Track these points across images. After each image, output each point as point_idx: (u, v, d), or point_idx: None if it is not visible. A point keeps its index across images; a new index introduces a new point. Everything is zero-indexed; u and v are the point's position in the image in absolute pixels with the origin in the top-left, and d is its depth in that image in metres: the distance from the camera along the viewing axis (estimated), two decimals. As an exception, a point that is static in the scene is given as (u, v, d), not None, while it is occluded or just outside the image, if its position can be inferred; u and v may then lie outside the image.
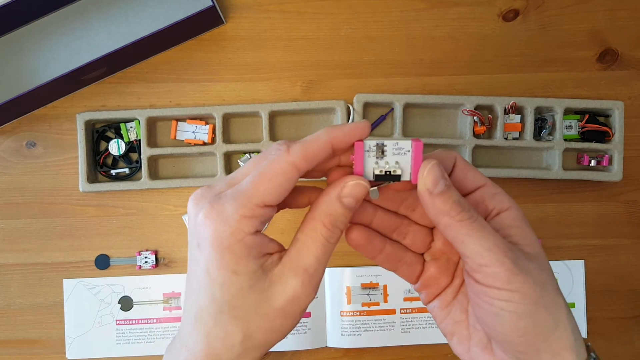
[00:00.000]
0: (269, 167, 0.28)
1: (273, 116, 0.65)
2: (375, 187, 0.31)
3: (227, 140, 0.65)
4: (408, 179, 0.30)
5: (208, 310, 0.29)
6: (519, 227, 0.31)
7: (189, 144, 0.65)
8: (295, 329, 0.60)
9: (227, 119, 0.65)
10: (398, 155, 0.30)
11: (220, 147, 0.64)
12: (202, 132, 0.65)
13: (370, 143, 0.30)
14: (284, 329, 0.30)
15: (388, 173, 0.30)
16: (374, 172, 0.30)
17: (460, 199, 0.29)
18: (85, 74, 0.62)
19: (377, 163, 0.30)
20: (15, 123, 0.66)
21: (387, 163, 0.30)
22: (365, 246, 0.33)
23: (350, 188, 0.29)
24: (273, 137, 0.65)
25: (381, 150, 0.30)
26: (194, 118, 0.65)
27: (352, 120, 0.64)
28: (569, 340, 0.29)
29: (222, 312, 0.29)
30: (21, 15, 0.63)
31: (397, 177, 0.30)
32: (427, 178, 0.28)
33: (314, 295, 0.30)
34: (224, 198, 0.28)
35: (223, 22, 0.66)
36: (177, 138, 0.65)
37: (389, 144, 0.30)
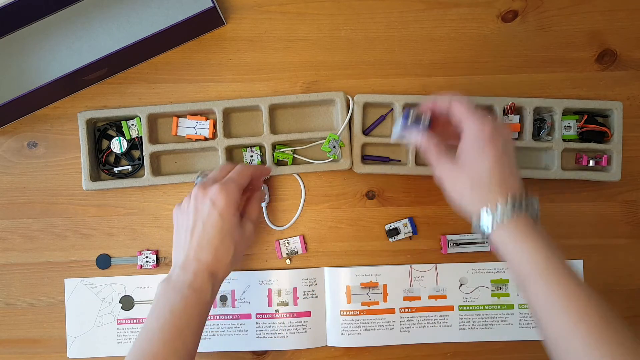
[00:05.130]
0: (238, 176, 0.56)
1: (273, 109, 0.65)
2: None
3: (228, 134, 0.65)
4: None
5: (216, 236, 0.53)
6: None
7: (190, 140, 0.65)
8: (295, 328, 0.66)
9: (227, 113, 0.65)
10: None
11: (222, 142, 0.64)
12: (203, 127, 0.65)
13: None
14: (244, 248, 0.57)
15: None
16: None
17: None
18: (87, 74, 0.62)
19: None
20: (16, 123, 0.66)
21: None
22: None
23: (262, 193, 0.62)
24: (274, 130, 0.65)
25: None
26: (195, 114, 0.65)
27: (352, 112, 0.64)
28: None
29: (226, 237, 0.53)
30: (23, 16, 0.63)
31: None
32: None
33: (256, 232, 0.61)
34: (226, 182, 0.54)
35: (224, 23, 0.66)
36: (178, 134, 0.65)
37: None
